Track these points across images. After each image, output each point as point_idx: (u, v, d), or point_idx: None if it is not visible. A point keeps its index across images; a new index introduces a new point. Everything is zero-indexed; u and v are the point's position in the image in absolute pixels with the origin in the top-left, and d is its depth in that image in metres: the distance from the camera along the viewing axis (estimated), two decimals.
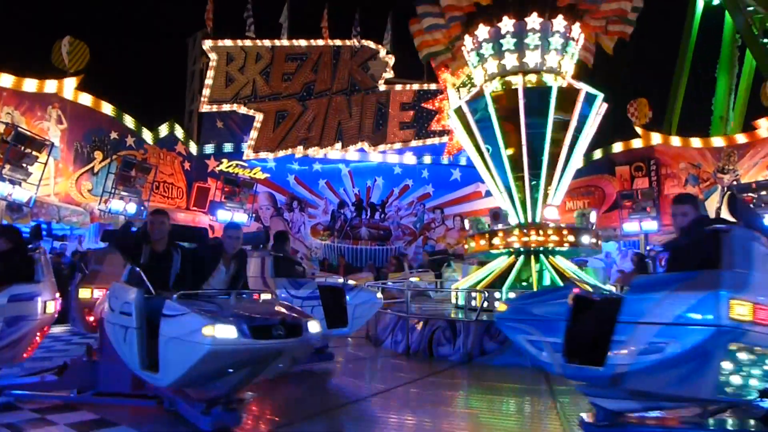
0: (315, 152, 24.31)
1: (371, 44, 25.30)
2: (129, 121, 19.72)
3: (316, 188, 25.41)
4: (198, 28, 33.67)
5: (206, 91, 22.99)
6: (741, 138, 21.67)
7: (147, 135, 20.40)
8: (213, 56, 23.08)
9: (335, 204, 25.56)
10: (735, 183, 20.35)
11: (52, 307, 5.46)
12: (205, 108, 23.13)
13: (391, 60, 25.38)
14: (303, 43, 24.51)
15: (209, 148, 23.17)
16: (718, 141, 22.04)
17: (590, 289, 10.46)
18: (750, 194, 17.42)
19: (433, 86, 25.75)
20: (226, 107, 23.21)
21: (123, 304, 4.78)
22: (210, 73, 23.07)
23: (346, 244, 25.07)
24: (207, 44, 23.17)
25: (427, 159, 26.13)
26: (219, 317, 4.07)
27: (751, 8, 27.92)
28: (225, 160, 23.10)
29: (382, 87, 25.34)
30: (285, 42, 24.22)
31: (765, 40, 28.76)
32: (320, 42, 24.69)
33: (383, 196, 26.15)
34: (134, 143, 19.73)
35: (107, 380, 5.30)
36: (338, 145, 24.62)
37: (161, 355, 4.26)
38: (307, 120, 24.18)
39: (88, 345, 5.94)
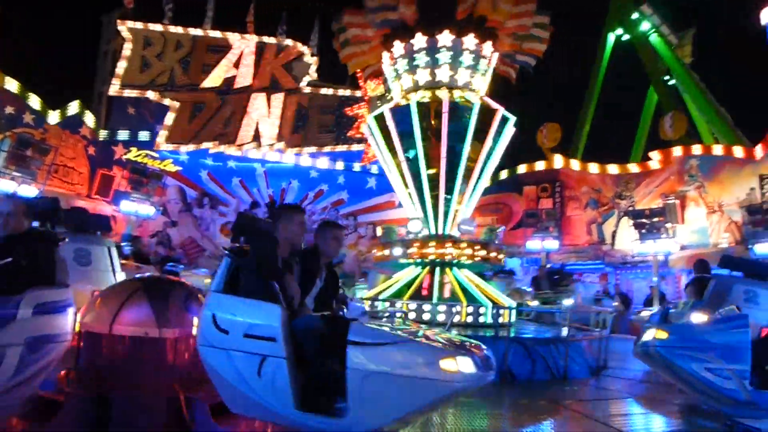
0: (231, 149, 23.74)
1: (297, 45, 25.10)
2: (34, 101, 18.47)
3: (229, 186, 24.78)
4: (115, 5, 32.10)
5: (119, 73, 21.93)
6: (634, 167, 23.27)
7: (52, 114, 19.18)
8: (128, 37, 22.06)
9: (248, 204, 25.01)
10: (631, 209, 21.79)
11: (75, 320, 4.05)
12: (114, 91, 22.04)
13: (315, 62, 25.29)
14: (227, 35, 23.93)
15: (118, 135, 22.08)
16: (613, 168, 23.53)
17: (503, 303, 10.89)
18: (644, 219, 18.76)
19: (355, 93, 25.88)
20: (134, 93, 22.21)
21: (257, 325, 3.65)
22: (124, 55, 22.04)
23: None
24: (127, 25, 22.13)
25: (344, 165, 26.17)
26: (446, 347, 3.48)
27: (658, 43, 30.15)
28: (134, 149, 22.09)
29: (305, 89, 25.17)
30: (210, 32, 23.56)
31: (666, 78, 31.19)
32: (245, 37, 24.20)
33: (297, 199, 25.88)
34: (33, 121, 18.47)
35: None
36: (255, 143, 24.17)
37: (354, 393, 3.39)
38: (224, 115, 23.59)
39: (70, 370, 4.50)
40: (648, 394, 7.93)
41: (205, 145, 23.18)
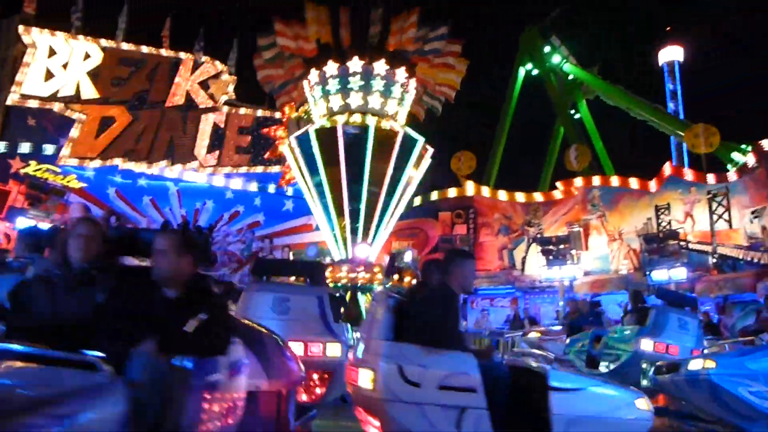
0: (141, 166, 22.80)
1: (214, 62, 24.65)
2: None
3: (139, 205, 23.72)
4: (15, 10, 30.32)
5: (20, 81, 20.63)
6: (539, 196, 24.42)
7: None
8: (31, 44, 20.87)
9: (159, 224, 24.03)
10: (539, 236, 22.74)
11: None
12: (13, 101, 20.71)
13: (233, 82, 24.90)
14: (141, 48, 23.14)
15: (19, 147, 20.69)
16: (520, 196, 24.58)
17: None
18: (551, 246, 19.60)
19: (273, 114, 25.64)
20: (36, 103, 20.98)
21: (454, 375, 3.39)
22: (26, 63, 20.79)
23: None
24: (31, 32, 20.92)
25: (261, 187, 25.74)
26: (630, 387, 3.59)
27: (569, 74, 31.92)
28: (33, 162, 20.76)
29: (222, 108, 24.70)
30: (122, 45, 22.70)
31: (572, 111, 33.08)
32: (160, 51, 23.50)
33: (212, 220, 25.10)
34: None
35: None
36: (168, 162, 23.35)
37: None
38: (136, 131, 22.69)
39: None
40: None
41: (113, 161, 22.13)
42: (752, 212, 18.02)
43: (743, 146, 21.35)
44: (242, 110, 25.24)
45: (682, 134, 25.49)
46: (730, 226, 18.61)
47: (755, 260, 17.34)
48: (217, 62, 24.75)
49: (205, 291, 2.84)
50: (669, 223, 20.03)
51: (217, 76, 24.66)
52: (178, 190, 24.37)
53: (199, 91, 24.30)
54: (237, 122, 25.08)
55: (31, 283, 2.81)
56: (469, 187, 24.93)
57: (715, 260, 18.41)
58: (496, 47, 35.35)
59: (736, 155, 22.13)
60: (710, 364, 5.43)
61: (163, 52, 23.60)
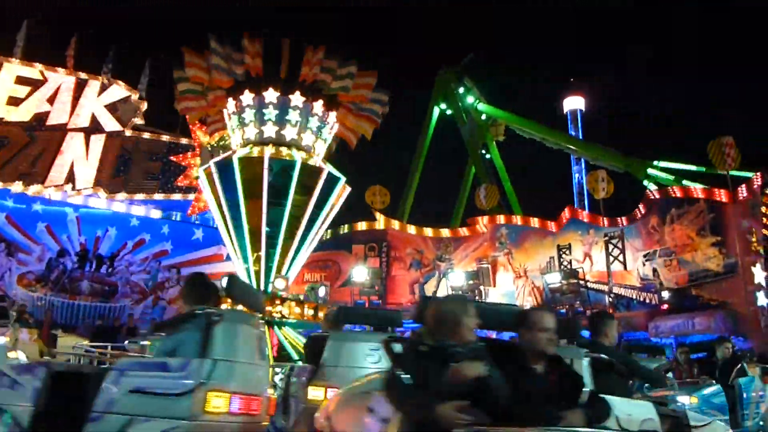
0: (37, 190, 21.41)
1: (123, 85, 23.74)
2: None
3: (32, 231, 22.18)
4: None
5: None
6: (446, 232, 25.08)
7: None
8: None
9: (54, 251, 22.54)
10: (450, 270, 23.24)
11: None
12: None
13: (143, 106, 24.06)
14: (39, 67, 21.91)
15: None
16: (428, 231, 25.15)
17: None
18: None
19: (184, 141, 24.92)
20: None
21: (646, 420, 3.54)
22: None
23: (60, 298, 22.00)
24: None
25: (170, 215, 24.82)
26: None
27: (483, 117, 33.20)
28: None
29: (128, 132, 23.74)
30: (16, 62, 21.41)
31: (483, 152, 34.37)
32: (61, 71, 22.36)
33: (114, 248, 23.87)
34: None
35: None
36: (68, 186, 22.07)
37: None
38: (33, 153, 21.35)
39: None
40: None
41: (6, 185, 20.67)
42: (644, 255, 19.26)
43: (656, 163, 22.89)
44: (148, 135, 24.36)
45: (596, 156, 26.86)
46: (625, 267, 19.78)
47: (647, 300, 18.50)
48: (126, 85, 23.86)
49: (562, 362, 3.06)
50: (570, 262, 21.06)
51: (126, 99, 23.75)
52: (77, 216, 23.03)
53: (106, 114, 23.26)
54: (146, 147, 24.16)
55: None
56: (383, 221, 25.22)
57: (611, 299, 19.49)
58: (412, 84, 36.41)
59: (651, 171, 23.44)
60: (694, 400, 6.32)
61: (65, 72, 22.44)
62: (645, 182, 23.31)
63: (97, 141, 22.94)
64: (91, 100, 22.90)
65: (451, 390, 2.53)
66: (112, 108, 23.43)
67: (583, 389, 2.93)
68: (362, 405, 3.47)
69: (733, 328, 15.29)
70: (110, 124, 23.30)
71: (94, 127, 22.92)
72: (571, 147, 31.03)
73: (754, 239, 16.48)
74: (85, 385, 3.43)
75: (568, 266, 20.74)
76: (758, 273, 16.33)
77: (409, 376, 2.74)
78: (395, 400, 2.77)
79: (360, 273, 21.81)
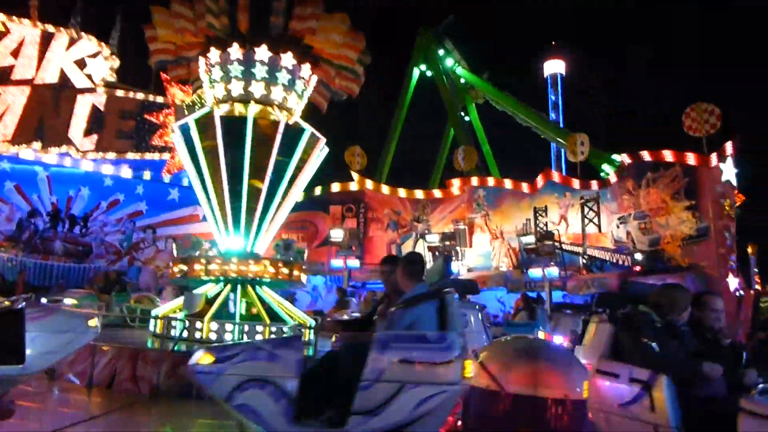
0: (4, 149, 20.81)
1: (93, 40, 22.95)
2: None
3: (0, 191, 21.69)
4: None
5: None
6: (419, 193, 25.10)
7: None
8: None
9: (24, 212, 22.09)
10: (427, 232, 23.36)
11: None
12: None
13: (115, 62, 23.35)
14: (1, 17, 21.02)
15: None
16: (409, 193, 25.14)
17: (305, 321, 10.85)
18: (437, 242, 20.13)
19: (159, 99, 24.34)
20: None
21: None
22: None
23: (32, 258, 21.68)
24: None
25: (145, 174, 24.40)
26: None
27: (460, 77, 33.00)
28: None
29: (100, 89, 23.08)
30: None
31: (462, 114, 34.27)
32: (26, 22, 21.48)
33: (88, 208, 23.49)
34: None
35: None
36: (37, 144, 21.50)
37: None
38: None
39: None
40: None
41: None
42: (619, 218, 19.53)
43: (613, 157, 23.12)
44: (124, 93, 23.72)
45: (562, 141, 27.17)
46: (600, 230, 20.07)
47: (620, 262, 18.85)
48: (96, 40, 23.08)
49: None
50: (546, 224, 21.29)
51: (95, 55, 23.00)
52: (48, 175, 22.55)
53: (76, 70, 22.54)
54: (119, 105, 23.56)
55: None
56: (362, 183, 25.15)
57: (585, 261, 19.82)
58: (392, 44, 35.89)
59: (606, 167, 23.95)
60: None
61: (29, 23, 21.56)
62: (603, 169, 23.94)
63: (67, 98, 22.28)
64: (58, 54, 22.14)
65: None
66: (81, 63, 22.69)
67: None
68: (578, 369, 3.93)
69: (703, 289, 15.68)
70: (80, 80, 22.61)
71: (63, 84, 22.23)
72: (538, 128, 31.14)
73: (727, 204, 16.82)
74: (338, 357, 4.09)
75: (544, 228, 20.98)
76: (729, 236, 16.74)
77: (654, 344, 3.71)
78: (657, 364, 3.67)
79: (337, 234, 21.81)
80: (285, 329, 10.27)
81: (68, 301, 12.59)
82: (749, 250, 21.68)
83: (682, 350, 3.81)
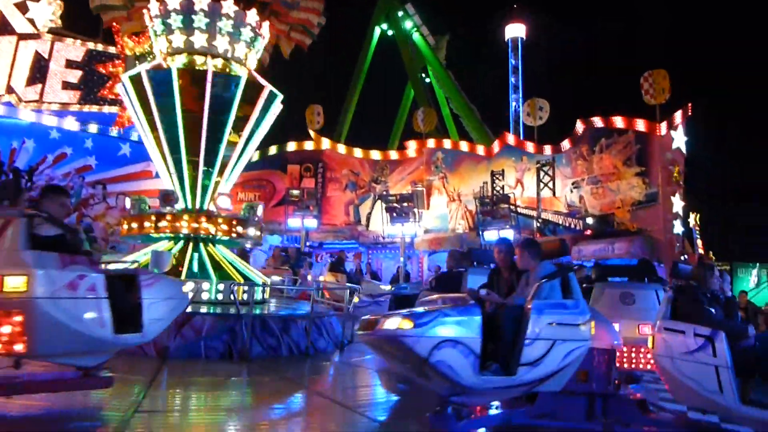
0: None
1: None
2: None
3: None
4: None
5: None
6: (376, 154, 25.01)
7: None
8: None
9: None
10: (385, 192, 23.37)
11: None
12: None
13: (59, 6, 22.11)
14: None
15: None
16: (368, 153, 25.02)
17: (256, 280, 10.77)
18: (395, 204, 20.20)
19: (111, 49, 23.26)
20: None
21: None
22: None
23: None
24: None
25: (93, 128, 23.46)
26: None
27: (418, 38, 32.67)
28: None
29: (45, 36, 21.90)
30: None
31: (423, 75, 34.01)
32: None
33: (33, 161, 22.49)
34: None
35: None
36: None
37: None
38: None
39: None
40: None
41: None
42: (572, 183, 19.94)
43: None
44: (71, 41, 22.56)
45: (479, 139, 27.51)
46: (554, 194, 20.47)
47: (572, 226, 19.34)
48: None
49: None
50: (502, 188, 21.58)
51: None
52: None
53: (16, 14, 21.25)
54: (64, 54, 22.42)
55: None
56: (318, 141, 24.88)
57: (538, 224, 20.25)
58: (355, 1, 35.08)
59: None
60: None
61: None
62: None
63: (8, 43, 21.08)
64: None
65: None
66: (23, 7, 21.41)
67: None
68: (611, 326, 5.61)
69: (650, 253, 16.27)
70: (22, 25, 21.36)
71: (4, 28, 20.98)
72: (463, 120, 31.30)
73: (675, 170, 17.33)
74: (495, 320, 4.98)
75: (501, 191, 21.27)
76: (677, 203, 17.31)
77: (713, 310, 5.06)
78: (717, 324, 4.90)
79: (295, 193, 21.62)
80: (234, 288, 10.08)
81: None
82: (691, 220, 22.54)
83: (721, 312, 5.14)
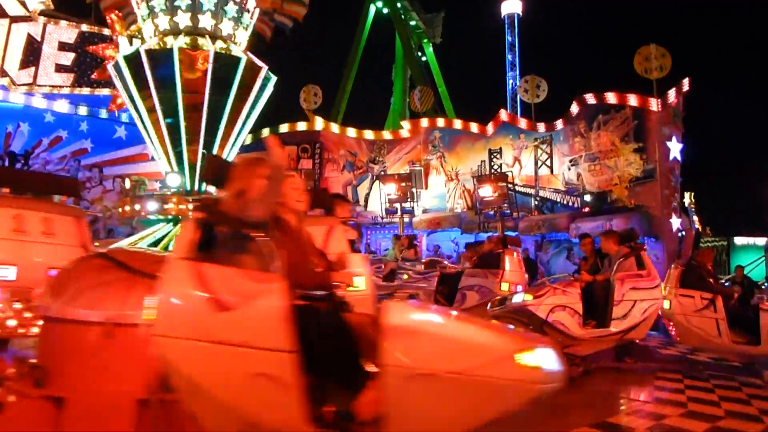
0: None
1: None
2: None
3: None
4: None
5: None
6: (369, 134, 24.93)
7: None
8: None
9: None
10: (383, 173, 23.34)
11: None
12: None
13: None
14: None
15: None
16: (351, 131, 24.95)
17: None
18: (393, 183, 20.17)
19: (106, 31, 22.99)
20: None
21: None
22: None
23: None
24: None
25: (88, 110, 23.31)
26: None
27: (412, 23, 32.36)
28: None
29: (37, 18, 21.65)
30: None
31: (419, 54, 33.76)
32: None
33: (28, 145, 22.36)
34: None
35: None
36: None
37: None
38: None
39: None
40: None
41: None
42: (570, 160, 19.90)
43: None
44: (63, 23, 22.31)
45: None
46: (552, 171, 20.44)
47: (570, 203, 19.36)
48: None
49: None
50: (500, 166, 21.56)
51: None
52: None
53: None
54: (57, 36, 22.20)
55: None
56: (317, 122, 24.75)
57: (536, 202, 20.27)
58: None
59: None
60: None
61: None
62: None
63: (0, 26, 20.85)
64: None
65: None
66: None
67: None
68: None
69: (648, 229, 16.32)
70: (13, 7, 21.12)
71: None
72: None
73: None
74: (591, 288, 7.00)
75: (498, 170, 21.25)
76: (674, 179, 17.32)
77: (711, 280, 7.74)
78: (715, 290, 7.43)
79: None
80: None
81: None
82: (686, 200, 22.56)
83: (719, 282, 7.70)
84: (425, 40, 34.25)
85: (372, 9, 33.43)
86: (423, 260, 15.49)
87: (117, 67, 11.09)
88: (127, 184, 11.45)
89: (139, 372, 3.12)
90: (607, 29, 50.52)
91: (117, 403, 3.21)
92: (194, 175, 11.27)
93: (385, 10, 33.58)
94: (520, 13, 41.63)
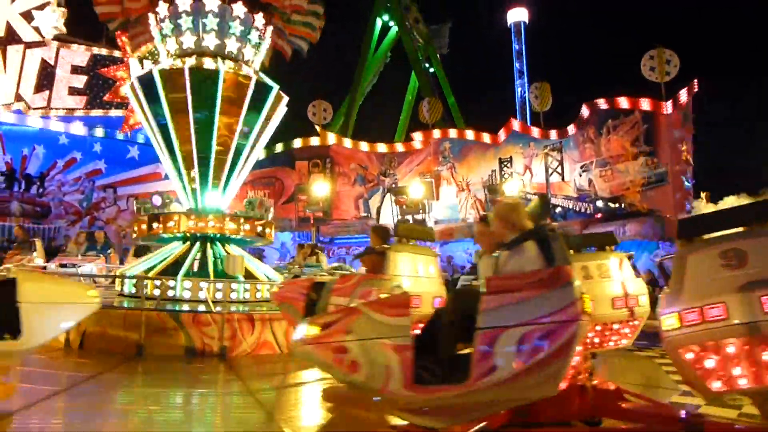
0: None
1: None
2: None
3: None
4: None
5: None
6: (382, 147, 24.99)
7: None
8: None
9: None
10: (394, 186, 23.40)
11: None
12: None
13: (63, 14, 22.24)
14: None
15: None
16: (364, 145, 25.03)
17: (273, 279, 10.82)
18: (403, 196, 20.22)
19: (117, 53, 23.40)
20: None
21: None
22: None
23: None
24: None
25: (101, 132, 23.66)
26: None
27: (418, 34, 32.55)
28: None
29: (50, 43, 22.05)
30: None
31: (427, 65, 33.90)
32: None
33: (44, 167, 22.76)
34: None
35: None
36: None
37: None
38: None
39: None
40: None
41: None
42: (581, 167, 19.84)
43: None
44: (75, 47, 22.71)
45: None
46: (563, 178, 20.38)
47: (582, 210, 19.27)
48: None
49: None
50: (511, 174, 21.53)
51: (43, 6, 21.85)
52: (0, 133, 21.70)
53: (22, 23, 21.42)
54: (69, 60, 22.58)
55: None
56: (330, 137, 24.90)
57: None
58: None
59: None
60: None
61: None
62: None
63: (15, 53, 21.25)
64: (2, 6, 20.96)
65: None
66: (28, 16, 21.56)
67: None
68: None
69: (661, 233, 16.20)
70: (28, 33, 21.53)
71: (11, 37, 21.13)
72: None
73: (684, 148, 17.21)
74: None
75: (509, 178, 21.23)
76: (686, 181, 17.21)
77: None
78: None
79: (305, 190, 21.70)
80: (258, 287, 10.24)
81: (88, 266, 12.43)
82: (701, 200, 22.31)
83: None
84: (432, 51, 34.40)
85: (378, 22, 33.68)
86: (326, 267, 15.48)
87: (133, 85, 11.18)
88: (135, 206, 11.51)
89: None
90: (611, 34, 50.42)
91: None
92: (195, 194, 11.29)
93: (392, 24, 33.81)
94: (527, 21, 41.77)
